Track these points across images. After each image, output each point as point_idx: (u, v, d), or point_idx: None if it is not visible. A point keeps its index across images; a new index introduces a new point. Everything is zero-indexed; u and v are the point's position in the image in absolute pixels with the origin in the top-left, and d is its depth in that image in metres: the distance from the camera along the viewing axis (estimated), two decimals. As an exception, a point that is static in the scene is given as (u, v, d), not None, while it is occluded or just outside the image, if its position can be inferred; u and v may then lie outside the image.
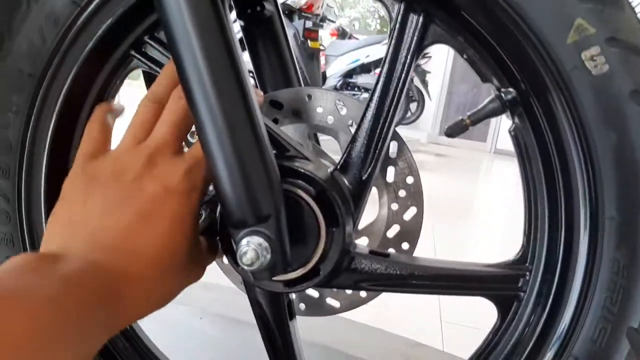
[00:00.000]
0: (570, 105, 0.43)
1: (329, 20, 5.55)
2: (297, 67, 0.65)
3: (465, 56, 0.48)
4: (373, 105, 0.50)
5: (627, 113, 0.42)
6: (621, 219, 0.43)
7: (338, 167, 0.51)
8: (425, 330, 1.50)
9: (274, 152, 0.51)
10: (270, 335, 0.55)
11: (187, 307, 1.08)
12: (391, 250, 0.59)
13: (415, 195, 0.58)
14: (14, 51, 0.51)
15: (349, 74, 5.54)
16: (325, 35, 6.61)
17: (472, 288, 0.52)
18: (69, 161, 0.55)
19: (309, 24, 3.57)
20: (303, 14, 3.58)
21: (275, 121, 0.60)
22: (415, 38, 0.48)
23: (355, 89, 5.53)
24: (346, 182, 0.50)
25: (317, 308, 0.61)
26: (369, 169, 0.50)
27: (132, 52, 0.52)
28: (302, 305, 0.62)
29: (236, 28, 0.48)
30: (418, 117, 5.84)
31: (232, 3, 0.60)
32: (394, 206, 0.58)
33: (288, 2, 3.54)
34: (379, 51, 5.43)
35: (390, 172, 0.58)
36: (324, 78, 3.91)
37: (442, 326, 1.54)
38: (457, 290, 0.52)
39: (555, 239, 0.47)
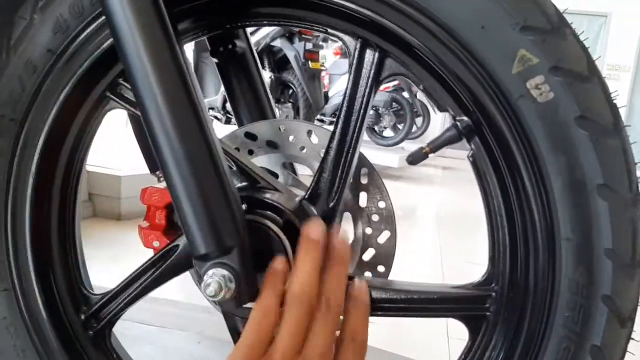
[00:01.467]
0: (520, 132, 0.45)
1: (332, 39, 5.61)
2: (270, 99, 0.67)
3: (421, 87, 0.50)
4: (336, 137, 0.51)
5: (574, 137, 0.43)
6: (577, 239, 0.44)
7: (306, 196, 0.53)
8: (432, 348, 1.49)
9: (245, 183, 0.54)
10: None
11: (185, 332, 1.10)
12: (367, 274, 0.60)
13: (388, 219, 0.60)
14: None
15: None
16: (329, 54, 6.68)
17: (442, 310, 0.53)
18: (51, 197, 0.57)
19: (309, 45, 3.62)
20: (303, 36, 3.64)
21: (250, 152, 0.62)
22: (372, 72, 0.50)
23: None
24: (314, 210, 0.52)
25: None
26: (336, 197, 0.52)
27: (108, 94, 0.55)
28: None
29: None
30: (424, 131, 5.85)
31: (206, 42, 0.63)
32: (368, 230, 0.60)
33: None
34: (382, 68, 5.48)
35: (363, 197, 0.60)
36: (327, 97, 3.95)
37: (449, 342, 1.54)
38: (428, 312, 0.53)
39: (516, 260, 0.48)
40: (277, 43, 3.78)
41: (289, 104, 3.86)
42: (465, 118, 0.48)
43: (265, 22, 0.54)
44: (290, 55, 3.65)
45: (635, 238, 0.44)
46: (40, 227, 0.57)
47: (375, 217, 0.60)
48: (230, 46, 0.63)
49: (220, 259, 0.43)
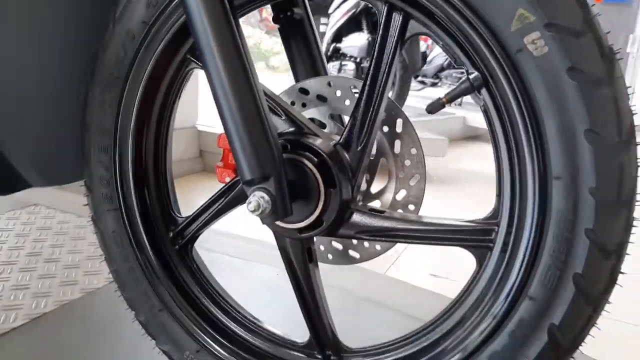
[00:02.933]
0: (519, 83, 0.50)
1: None
2: (324, 60, 0.77)
3: (441, 44, 0.57)
4: (366, 90, 0.60)
5: (565, 87, 0.48)
6: (566, 178, 0.50)
7: (340, 141, 0.63)
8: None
9: (292, 129, 0.65)
10: (294, 276, 0.69)
11: (265, 265, 1.26)
12: (400, 211, 0.69)
13: (419, 165, 0.68)
14: (106, 60, 0.69)
15: None
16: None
17: (454, 240, 0.61)
18: (148, 134, 0.73)
19: (408, 7, 3.58)
20: (403, -3, 3.59)
21: (304, 105, 0.73)
22: (397, 32, 0.58)
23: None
24: (345, 153, 0.62)
25: (342, 258, 0.74)
26: (364, 142, 0.61)
27: (189, 56, 0.69)
28: (330, 256, 0.74)
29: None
30: None
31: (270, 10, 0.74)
32: (401, 174, 0.69)
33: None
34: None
35: (397, 145, 0.68)
36: (424, 58, 3.88)
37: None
38: (442, 241, 0.61)
39: (515, 197, 0.54)
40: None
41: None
42: (475, 72, 0.54)
43: None
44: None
45: (622, 180, 0.49)
46: (140, 159, 0.73)
47: (407, 162, 0.68)
48: (289, 13, 0.73)
49: (260, 184, 0.55)
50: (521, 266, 0.54)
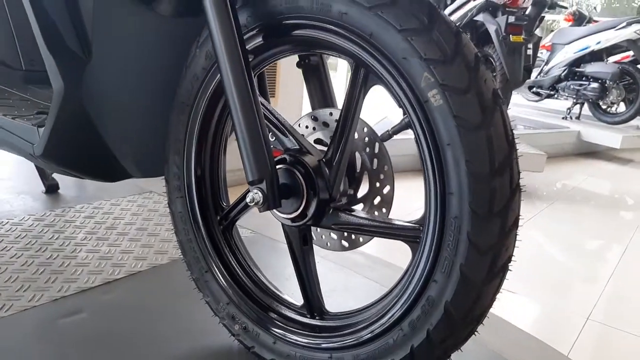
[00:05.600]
0: (427, 123, 0.71)
1: (560, 6, 5.29)
2: (332, 94, 1.01)
3: (388, 92, 0.78)
4: (340, 124, 0.84)
5: (452, 128, 0.68)
6: (455, 193, 0.69)
7: (323, 158, 0.86)
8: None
9: (296, 147, 0.90)
10: (293, 255, 0.94)
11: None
12: (368, 212, 0.91)
13: (389, 177, 0.89)
14: (181, 93, 1.00)
15: (577, 63, 5.19)
16: (561, 19, 6.24)
17: (398, 235, 0.82)
18: (206, 143, 1.02)
19: (511, 19, 3.60)
20: (507, 9, 3.62)
21: (314, 128, 0.97)
22: (361, 80, 0.80)
23: (583, 78, 5.16)
24: (326, 168, 0.86)
25: (337, 245, 0.97)
26: (339, 160, 0.84)
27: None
28: (328, 243, 0.98)
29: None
30: (634, 116, 5.01)
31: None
32: (377, 184, 0.90)
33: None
34: (612, 37, 4.95)
35: (375, 162, 0.90)
36: (528, 71, 3.82)
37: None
38: (389, 236, 0.83)
39: (429, 206, 0.74)
40: (480, 17, 3.85)
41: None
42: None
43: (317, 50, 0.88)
44: (491, 29, 3.70)
45: (493, 199, 0.67)
46: (200, 161, 1.03)
47: (381, 176, 0.90)
48: (307, 60, 0.99)
49: (257, 184, 0.81)
50: (429, 256, 0.74)
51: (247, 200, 0.82)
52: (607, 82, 5.00)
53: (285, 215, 0.88)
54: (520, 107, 5.83)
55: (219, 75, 0.90)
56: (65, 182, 1.90)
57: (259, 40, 0.88)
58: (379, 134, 0.85)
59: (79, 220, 1.61)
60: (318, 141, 0.96)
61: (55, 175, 1.87)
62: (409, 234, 0.80)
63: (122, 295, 1.21)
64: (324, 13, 0.78)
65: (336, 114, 0.93)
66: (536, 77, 5.47)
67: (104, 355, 1.00)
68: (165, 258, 1.41)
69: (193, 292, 1.05)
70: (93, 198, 1.81)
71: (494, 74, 3.87)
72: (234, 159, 0.92)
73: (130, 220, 1.64)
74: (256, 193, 0.81)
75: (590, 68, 5.12)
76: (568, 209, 3.00)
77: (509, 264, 0.72)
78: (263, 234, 1.63)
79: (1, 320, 1.07)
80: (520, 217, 0.72)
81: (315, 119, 0.96)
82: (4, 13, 1.40)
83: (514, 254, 0.72)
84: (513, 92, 4.13)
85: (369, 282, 1.39)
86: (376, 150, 0.89)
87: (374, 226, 0.84)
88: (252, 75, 0.84)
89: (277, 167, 0.86)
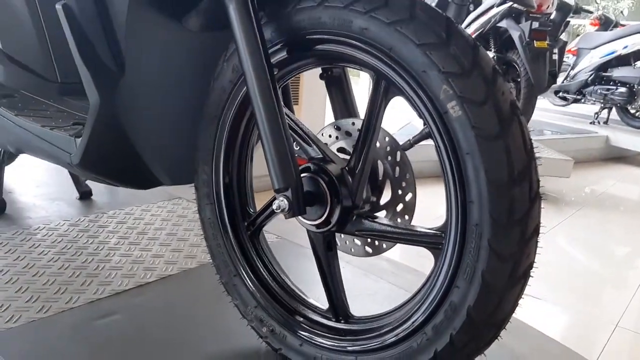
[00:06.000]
0: (447, 134, 0.73)
1: (585, 11, 5.23)
2: (354, 104, 1.04)
3: (408, 104, 0.80)
4: (362, 134, 0.86)
5: (471, 138, 0.70)
6: (476, 202, 0.71)
7: (346, 167, 0.89)
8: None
9: (320, 156, 0.93)
10: (318, 260, 0.97)
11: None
12: (393, 218, 0.93)
13: (411, 185, 0.91)
14: (209, 104, 1.04)
15: (603, 67, 5.11)
16: (587, 24, 6.15)
17: (420, 242, 0.84)
18: (234, 153, 1.05)
19: (535, 24, 3.58)
20: (531, 15, 3.60)
21: (337, 137, 1.00)
22: (382, 93, 0.83)
23: (610, 83, 5.07)
24: (349, 176, 0.89)
25: (360, 251, 0.99)
26: (361, 168, 0.87)
27: (258, 102, 1.01)
28: (352, 249, 1.01)
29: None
30: None
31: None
32: (399, 192, 0.93)
33: (514, 5, 3.63)
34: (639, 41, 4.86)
35: (397, 170, 0.92)
36: (554, 76, 3.78)
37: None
38: (411, 242, 0.85)
39: (451, 214, 0.76)
40: (503, 23, 3.84)
41: (511, 83, 3.90)
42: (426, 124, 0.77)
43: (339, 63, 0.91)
44: (515, 35, 3.68)
45: (512, 208, 0.69)
46: (228, 170, 1.07)
47: (403, 184, 0.92)
48: (330, 72, 1.02)
49: (283, 192, 0.84)
50: (451, 263, 0.76)
51: (274, 207, 0.85)
52: (636, 86, 4.90)
53: (310, 222, 0.91)
54: (547, 112, 5.75)
55: (245, 87, 0.94)
56: (98, 189, 1.97)
57: (283, 54, 0.92)
58: (402, 141, 0.88)
59: (112, 226, 1.67)
60: (341, 150, 0.98)
61: (89, 182, 1.94)
62: (431, 241, 0.82)
63: (154, 298, 1.26)
64: (345, 28, 0.81)
65: (358, 124, 0.96)
66: (562, 82, 5.40)
67: (136, 356, 1.04)
68: (195, 262, 1.45)
69: (222, 295, 1.09)
70: (124, 204, 1.87)
71: (519, 79, 3.85)
72: (260, 166, 0.96)
73: (161, 226, 1.69)
74: (282, 201, 0.84)
75: (618, 72, 5.03)
76: (597, 215, 2.96)
77: (531, 271, 0.74)
78: (289, 239, 1.66)
79: (41, 320, 1.12)
80: (541, 224, 0.74)
81: (338, 128, 0.99)
82: (40, 26, 1.47)
83: (535, 260, 0.74)
84: (539, 97, 4.09)
85: (393, 287, 1.41)
86: (398, 159, 0.92)
87: (397, 233, 0.87)
88: (277, 87, 0.87)
89: (302, 175, 0.89)
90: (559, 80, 5.20)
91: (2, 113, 1.25)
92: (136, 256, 1.47)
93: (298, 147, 0.95)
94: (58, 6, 0.98)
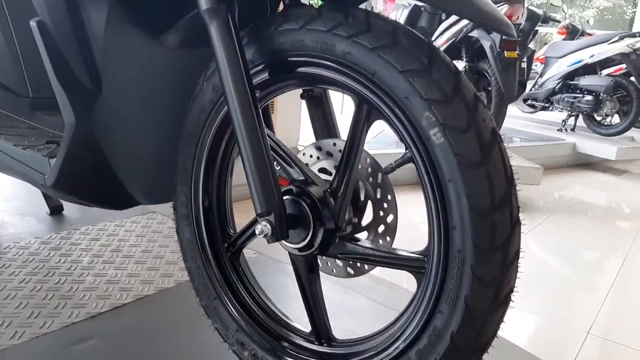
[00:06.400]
0: (429, 160, 0.73)
1: (553, 20, 5.36)
2: (335, 124, 1.04)
3: (391, 128, 0.81)
4: (345, 155, 0.86)
5: (453, 165, 0.71)
6: (458, 228, 0.72)
7: (328, 189, 0.89)
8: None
9: (301, 177, 0.93)
10: (300, 283, 0.96)
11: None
12: (372, 241, 0.93)
13: (393, 207, 0.92)
14: (189, 123, 1.03)
15: (570, 75, 5.26)
16: (555, 33, 6.32)
17: (403, 266, 0.84)
18: (214, 171, 1.04)
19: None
20: (501, 25, 3.68)
21: (318, 158, 1.00)
22: (364, 116, 0.83)
23: (577, 91, 5.23)
24: (331, 198, 0.88)
25: (342, 272, 0.99)
26: (344, 191, 0.87)
27: (238, 123, 1.00)
28: (333, 270, 1.00)
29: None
30: (628, 127, 5.07)
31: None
32: (381, 213, 0.93)
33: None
34: (605, 50, 5.02)
35: (378, 192, 0.93)
36: (523, 85, 3.88)
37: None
38: (394, 266, 0.85)
39: (433, 238, 0.77)
40: (475, 33, 3.91)
41: (482, 92, 3.98)
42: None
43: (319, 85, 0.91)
44: (486, 45, 3.76)
45: (494, 233, 0.70)
46: (207, 191, 1.06)
47: (385, 205, 0.92)
48: (310, 92, 1.02)
49: (265, 217, 0.83)
50: (434, 288, 0.76)
51: (256, 232, 0.84)
52: (601, 94, 5.05)
53: (292, 245, 0.91)
54: (516, 119, 5.88)
55: (226, 107, 0.93)
56: (69, 204, 1.92)
57: (264, 75, 0.91)
58: (383, 161, 0.88)
59: (84, 243, 1.63)
60: (322, 170, 0.98)
61: (60, 198, 1.89)
62: (414, 265, 0.83)
63: (131, 320, 1.23)
64: (328, 52, 0.81)
65: (340, 144, 0.96)
66: (530, 90, 5.53)
67: (114, 382, 1.02)
68: (172, 281, 1.43)
69: (201, 317, 1.08)
70: (97, 219, 1.83)
71: (489, 88, 3.93)
72: (239, 175, 0.93)
73: (135, 242, 1.66)
74: (265, 225, 0.84)
75: (585, 81, 5.19)
76: (566, 221, 3.03)
77: (512, 295, 0.75)
78: (267, 254, 1.65)
79: (14, 347, 1.09)
80: (521, 250, 0.75)
81: (319, 148, 0.99)
82: (10, 39, 1.43)
83: (516, 285, 0.75)
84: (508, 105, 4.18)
85: (373, 303, 1.42)
86: (379, 181, 0.92)
87: (379, 256, 0.87)
88: (259, 108, 0.86)
89: (284, 197, 0.88)
90: (527, 88, 5.34)
91: (-30, 133, 1.21)
92: (111, 275, 1.43)
93: (279, 167, 0.95)
94: (32, 23, 0.95)
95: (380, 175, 0.91)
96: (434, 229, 0.76)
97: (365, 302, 1.43)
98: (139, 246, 1.63)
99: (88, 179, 1.05)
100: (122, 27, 0.95)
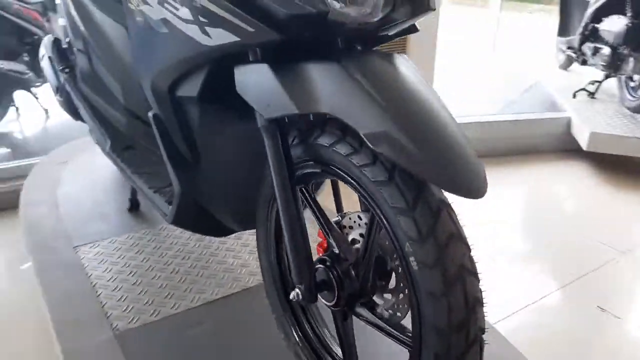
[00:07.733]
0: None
1: None
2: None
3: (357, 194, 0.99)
4: (366, 241, 1.07)
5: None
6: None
7: (351, 264, 1.11)
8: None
9: (332, 252, 1.16)
10: (337, 331, 1.22)
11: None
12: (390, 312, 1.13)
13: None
14: (262, 194, 1.31)
15: (597, 15, 3.88)
16: None
17: (399, 340, 1.05)
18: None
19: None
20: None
21: (359, 225, 1.21)
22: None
23: (598, 39, 3.89)
24: (353, 272, 1.11)
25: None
26: (364, 268, 1.09)
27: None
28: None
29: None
30: None
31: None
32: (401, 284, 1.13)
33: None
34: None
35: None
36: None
37: None
38: (394, 340, 1.06)
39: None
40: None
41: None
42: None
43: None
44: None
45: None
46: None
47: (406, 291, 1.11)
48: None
49: (298, 285, 1.10)
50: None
51: (291, 296, 1.12)
52: (620, 48, 3.58)
53: (327, 303, 1.16)
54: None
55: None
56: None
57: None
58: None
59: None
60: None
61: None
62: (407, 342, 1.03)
63: (238, 310, 1.62)
64: (348, 169, 1.00)
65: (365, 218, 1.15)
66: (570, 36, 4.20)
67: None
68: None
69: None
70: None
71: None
72: None
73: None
74: (297, 293, 1.11)
75: (604, 25, 3.74)
76: None
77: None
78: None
79: (152, 324, 1.55)
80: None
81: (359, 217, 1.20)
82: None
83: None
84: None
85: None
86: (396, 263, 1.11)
87: (381, 327, 1.08)
88: (299, 200, 1.10)
89: (317, 266, 1.13)
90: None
91: (123, 167, 1.66)
92: (229, 264, 1.85)
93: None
94: (150, 114, 1.30)
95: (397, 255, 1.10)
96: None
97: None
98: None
99: (195, 220, 1.42)
100: (211, 117, 1.24)
